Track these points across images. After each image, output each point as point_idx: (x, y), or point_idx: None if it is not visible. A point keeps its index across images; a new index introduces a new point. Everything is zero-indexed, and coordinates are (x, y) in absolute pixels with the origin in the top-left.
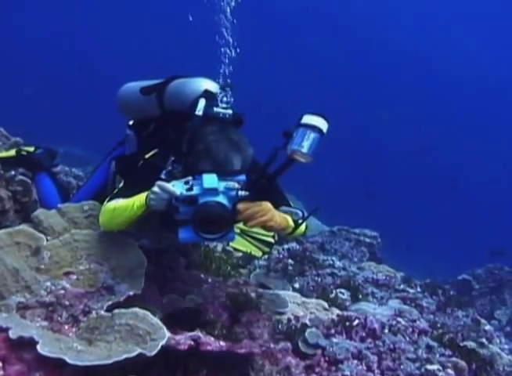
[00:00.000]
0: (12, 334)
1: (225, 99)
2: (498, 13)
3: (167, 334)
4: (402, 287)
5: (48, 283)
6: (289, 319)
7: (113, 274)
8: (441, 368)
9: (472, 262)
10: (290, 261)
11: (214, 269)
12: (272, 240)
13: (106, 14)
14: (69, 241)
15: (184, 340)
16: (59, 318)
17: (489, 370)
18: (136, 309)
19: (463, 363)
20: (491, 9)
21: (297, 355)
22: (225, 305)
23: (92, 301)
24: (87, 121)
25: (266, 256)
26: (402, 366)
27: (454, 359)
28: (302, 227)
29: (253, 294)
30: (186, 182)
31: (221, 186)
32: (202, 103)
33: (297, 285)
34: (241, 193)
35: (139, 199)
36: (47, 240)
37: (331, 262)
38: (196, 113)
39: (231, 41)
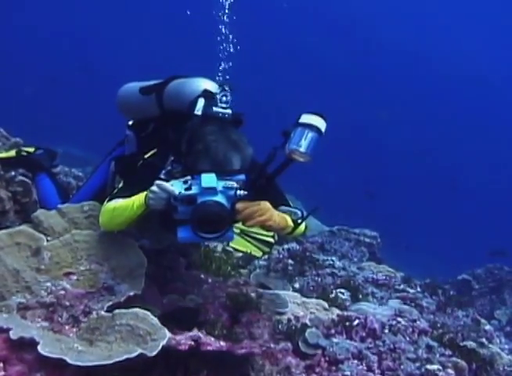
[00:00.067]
0: (12, 335)
1: (224, 98)
2: (498, 13)
3: (168, 334)
4: (401, 287)
5: (49, 284)
6: (289, 320)
7: (113, 274)
8: (441, 368)
9: (472, 262)
10: (290, 261)
11: (214, 270)
12: (271, 240)
13: (105, 14)
14: (69, 242)
15: (184, 340)
16: (60, 318)
17: (489, 370)
18: (137, 310)
19: (463, 363)
20: (491, 9)
21: (298, 355)
22: (226, 306)
23: (93, 301)
24: (86, 121)
25: (266, 256)
26: (402, 366)
27: (454, 359)
28: (302, 227)
29: (253, 295)
30: (185, 182)
31: (220, 185)
32: (201, 102)
33: (297, 285)
34: (240, 192)
35: (139, 199)
36: (47, 240)
37: (331, 262)
38: (195, 112)
39: (230, 37)
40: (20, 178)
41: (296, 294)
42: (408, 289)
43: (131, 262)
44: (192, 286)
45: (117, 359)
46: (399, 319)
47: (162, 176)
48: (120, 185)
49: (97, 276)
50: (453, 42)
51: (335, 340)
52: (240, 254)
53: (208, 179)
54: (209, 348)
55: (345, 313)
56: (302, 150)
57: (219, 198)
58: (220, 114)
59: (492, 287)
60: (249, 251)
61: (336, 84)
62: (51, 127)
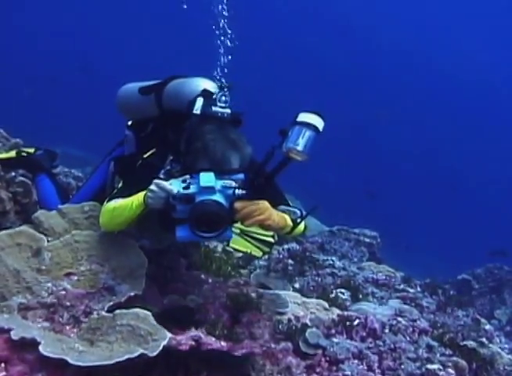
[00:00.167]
0: (14, 335)
1: (223, 98)
2: (498, 13)
3: (169, 334)
4: (402, 286)
5: (49, 284)
6: (289, 320)
7: (113, 275)
8: (441, 368)
9: (472, 262)
10: (290, 261)
11: (214, 270)
12: (272, 240)
13: (104, 14)
14: (69, 242)
15: (185, 340)
16: (61, 319)
17: (490, 370)
18: (137, 310)
19: (463, 363)
20: (491, 9)
21: (298, 355)
22: (226, 306)
23: (93, 301)
24: (86, 121)
25: (266, 256)
26: (402, 366)
27: (454, 358)
28: (301, 226)
29: (253, 295)
30: (184, 181)
31: (219, 184)
32: (200, 102)
33: (297, 285)
34: (238, 191)
35: (138, 198)
36: (48, 241)
37: (331, 262)
38: (194, 112)
39: (229, 35)
40: (20, 178)
41: (296, 294)
42: (408, 289)
43: (132, 263)
44: (193, 286)
45: (118, 360)
46: (399, 318)
47: (161, 176)
48: (120, 185)
49: (97, 277)
50: (454, 42)
51: (335, 340)
52: (240, 255)
53: (207, 178)
54: (210, 348)
55: (345, 313)
56: (299, 148)
57: (217, 197)
58: (219, 114)
59: (492, 287)
60: (249, 251)
61: (336, 84)
62: (50, 127)
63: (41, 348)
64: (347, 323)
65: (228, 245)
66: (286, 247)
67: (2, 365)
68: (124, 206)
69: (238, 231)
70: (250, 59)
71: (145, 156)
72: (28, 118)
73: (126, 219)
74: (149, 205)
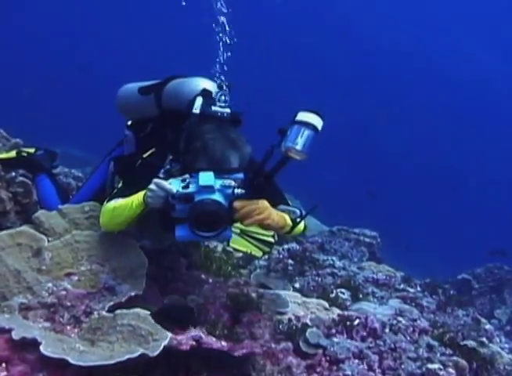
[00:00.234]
0: (14, 335)
1: (222, 97)
2: (499, 13)
3: (169, 334)
4: (402, 286)
5: (50, 284)
6: (290, 319)
7: (114, 275)
8: (442, 367)
9: (472, 262)
10: (290, 261)
11: (214, 270)
12: (272, 239)
13: (104, 14)
14: (70, 242)
15: (186, 340)
16: (61, 319)
17: (490, 369)
18: (138, 310)
19: (463, 362)
20: (491, 9)
21: (298, 355)
22: (226, 306)
23: (94, 301)
24: (86, 122)
25: (266, 256)
26: (403, 366)
27: (455, 358)
28: (301, 226)
29: (254, 295)
30: (183, 180)
31: (218, 183)
32: (199, 101)
33: (297, 285)
34: (237, 191)
35: (137, 197)
36: (48, 241)
37: (331, 262)
38: (193, 111)
39: (228, 32)
40: (21, 179)
41: (296, 294)
42: (408, 289)
43: (132, 263)
44: (193, 286)
45: (119, 359)
46: (400, 318)
47: (161, 175)
48: (120, 185)
49: (98, 277)
50: (454, 41)
51: (336, 340)
52: (240, 255)
53: (206, 178)
54: (210, 348)
55: (346, 313)
56: (298, 147)
57: (217, 196)
58: (218, 113)
59: (492, 287)
60: (249, 251)
61: (336, 83)
62: (50, 128)
63: (41, 348)
64: (348, 322)
65: (228, 245)
66: (286, 247)
67: (3, 365)
68: (124, 206)
69: (238, 231)
70: (249, 57)
71: (144, 155)
72: (28, 118)
73: (126, 219)
74: (148, 205)
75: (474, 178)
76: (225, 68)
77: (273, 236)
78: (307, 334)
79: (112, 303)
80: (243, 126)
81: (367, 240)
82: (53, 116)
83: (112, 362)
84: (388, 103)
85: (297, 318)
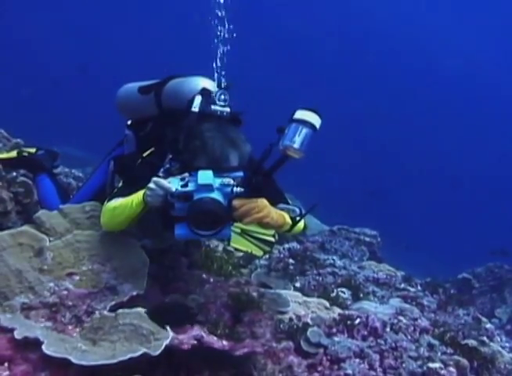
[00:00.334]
0: (17, 335)
1: (222, 97)
2: (499, 13)
3: (171, 333)
4: (402, 285)
5: (52, 284)
6: (291, 319)
7: (115, 274)
8: (442, 366)
9: (472, 261)
10: (291, 260)
11: (215, 269)
12: (272, 239)
13: (104, 14)
14: (71, 242)
15: (187, 339)
16: (63, 318)
17: (491, 368)
18: (140, 309)
19: (464, 361)
20: (491, 9)
21: (300, 354)
22: (227, 305)
23: (95, 301)
24: (86, 122)
25: (267, 256)
26: (404, 365)
27: (456, 357)
28: (300, 225)
29: (254, 294)
30: (182, 179)
31: (217, 182)
32: (198, 99)
33: (298, 284)
34: (236, 189)
35: (137, 196)
36: (49, 240)
37: (332, 262)
38: (192, 109)
39: (227, 31)
40: (22, 178)
41: (297, 293)
42: (409, 288)
43: (134, 262)
44: (194, 285)
45: (121, 359)
46: (400, 317)
47: (160, 174)
48: (120, 184)
49: (99, 276)
50: (455, 40)
51: (337, 339)
52: (241, 254)
53: (205, 176)
54: (211, 347)
55: (346, 312)
56: (296, 146)
57: (215, 195)
58: (218, 112)
59: (493, 286)
60: (250, 251)
61: (337, 83)
62: (51, 128)
63: (44, 347)
64: (349, 322)
65: (229, 245)
66: (286, 246)
67: (6, 364)
68: (124, 205)
69: (239, 231)
70: (249, 56)
71: (144, 155)
72: (29, 119)
73: (127, 218)
74: (148, 203)
75: (475, 177)
76: (224, 68)
77: (274, 236)
78: (308, 333)
79: (113, 303)
80: (244, 124)
81: (367, 239)
82: (54, 116)
83: (114, 361)
84: (389, 102)
85: (298, 317)
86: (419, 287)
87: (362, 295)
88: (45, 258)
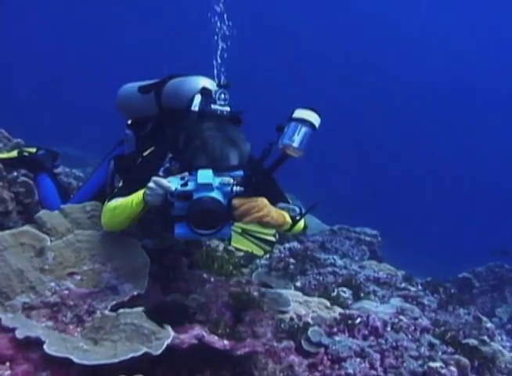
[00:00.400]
0: (18, 334)
1: (222, 96)
2: (499, 13)
3: (172, 333)
4: (403, 285)
5: (53, 284)
6: (291, 318)
7: (116, 274)
8: (443, 365)
9: (472, 261)
10: (292, 260)
11: (216, 269)
12: (273, 239)
13: (104, 14)
14: (72, 242)
15: (188, 339)
16: (64, 318)
17: (491, 367)
18: (141, 309)
19: (465, 361)
20: (491, 8)
21: (300, 353)
22: (228, 304)
23: (96, 301)
24: (87, 122)
25: (267, 255)
26: (404, 364)
27: (456, 356)
28: (301, 224)
29: (255, 293)
30: (182, 178)
31: (216, 181)
32: (198, 98)
33: (298, 284)
34: (236, 188)
35: (137, 196)
36: (50, 240)
37: (332, 261)
38: (192, 108)
39: (227, 30)
40: (23, 178)
41: (298, 292)
42: (409, 287)
43: (135, 262)
44: (195, 285)
45: (123, 358)
46: (401, 317)
47: (160, 174)
48: (120, 184)
49: (100, 276)
50: (457, 39)
51: (337, 338)
52: (242, 254)
53: (204, 175)
54: (213, 346)
55: (347, 312)
56: (295, 145)
57: (215, 194)
58: (218, 112)
59: (493, 285)
60: (250, 250)
61: (337, 82)
62: (51, 128)
63: (45, 347)
64: (349, 321)
65: (229, 244)
66: (287, 246)
67: (7, 364)
68: (124, 204)
69: (240, 230)
70: (249, 55)
71: (144, 154)
72: (29, 119)
73: (127, 218)
74: (148, 202)
75: (475, 177)
76: (225, 65)
77: (274, 236)
78: (309, 332)
79: (114, 302)
80: (244, 123)
81: (368, 238)
82: (54, 116)
83: (116, 361)
84: (390, 102)
85: (299, 317)
86: (419, 287)
87: (362, 295)
88: (46, 257)
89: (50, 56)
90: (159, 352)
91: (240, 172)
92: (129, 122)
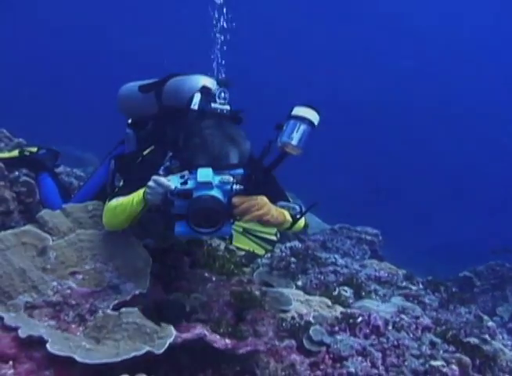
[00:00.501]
0: (21, 334)
1: (222, 94)
2: (499, 14)
3: (174, 332)
4: (404, 284)
5: (55, 283)
6: (293, 317)
7: (118, 273)
8: (445, 364)
9: (473, 259)
10: (293, 259)
11: (217, 268)
12: (274, 238)
13: (104, 13)
14: (74, 241)
15: (190, 338)
16: (66, 317)
17: (493, 366)
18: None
19: (467, 359)
20: (491, 8)
21: (302, 352)
22: (230, 303)
23: (99, 300)
24: (87, 122)
25: (269, 254)
26: (406, 363)
27: (458, 355)
28: (301, 222)
29: (257, 293)
30: (182, 177)
31: (216, 179)
32: (197, 97)
33: (300, 283)
34: (236, 187)
35: (138, 195)
36: (52, 240)
37: (333, 260)
38: (192, 107)
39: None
40: (24, 178)
41: (299, 291)
42: (410, 286)
43: (136, 261)
44: (197, 284)
45: (125, 357)
46: (402, 316)
47: (161, 172)
48: (121, 183)
49: (102, 275)
50: (459, 38)
51: (339, 337)
52: (243, 253)
53: (204, 174)
54: (214, 345)
55: (349, 310)
56: (294, 143)
57: (215, 192)
58: (218, 110)
59: (494, 284)
60: (252, 250)
61: (338, 81)
62: (52, 127)
63: (48, 346)
64: (351, 320)
65: (231, 243)
66: (288, 245)
67: (10, 363)
68: (125, 204)
69: (241, 229)
70: (248, 53)
71: (144, 153)
72: (30, 118)
73: (128, 217)
74: (148, 201)
75: (476, 177)
76: (224, 64)
77: (276, 235)
78: (310, 331)
79: (116, 301)
80: (245, 122)
81: (369, 238)
82: (55, 116)
83: (118, 359)
84: (390, 101)
85: (300, 316)
86: (420, 286)
87: (363, 294)
88: (48, 257)
89: (51, 56)
90: (161, 351)
91: (240, 171)
92: (129, 121)
